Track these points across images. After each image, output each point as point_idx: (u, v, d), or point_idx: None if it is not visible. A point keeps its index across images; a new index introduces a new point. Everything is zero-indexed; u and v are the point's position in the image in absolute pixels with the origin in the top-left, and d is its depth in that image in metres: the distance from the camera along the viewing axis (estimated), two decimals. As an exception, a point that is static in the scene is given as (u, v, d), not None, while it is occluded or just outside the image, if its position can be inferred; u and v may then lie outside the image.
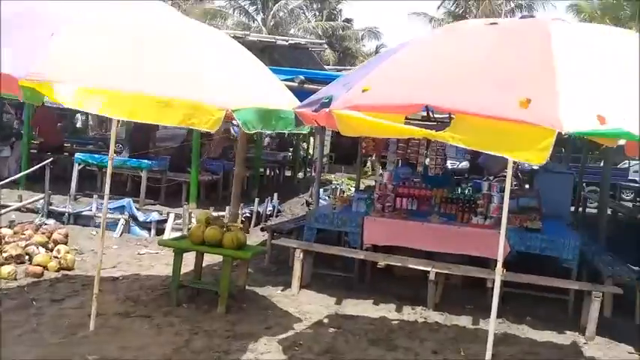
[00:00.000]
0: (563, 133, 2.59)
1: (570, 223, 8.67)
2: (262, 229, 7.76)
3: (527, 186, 12.35)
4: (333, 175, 18.49)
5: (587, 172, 14.99)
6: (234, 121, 3.96)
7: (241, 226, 9.47)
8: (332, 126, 3.24)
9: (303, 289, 6.57)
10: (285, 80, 5.63)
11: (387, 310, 6.10)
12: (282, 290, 6.56)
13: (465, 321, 5.91)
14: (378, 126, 2.93)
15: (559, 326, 5.81)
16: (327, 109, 3.16)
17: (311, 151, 20.31)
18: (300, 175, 16.89)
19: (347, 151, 23.22)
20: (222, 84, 3.97)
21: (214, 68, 4.13)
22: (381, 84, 3.17)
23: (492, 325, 4.02)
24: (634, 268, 7.13)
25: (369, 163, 19.76)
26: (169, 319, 5.32)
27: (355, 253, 6.56)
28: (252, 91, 4.20)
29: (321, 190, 14.28)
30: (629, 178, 17.05)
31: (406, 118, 3.17)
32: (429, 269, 6.01)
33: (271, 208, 11.19)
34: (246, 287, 6.27)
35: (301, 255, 6.44)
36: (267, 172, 15.31)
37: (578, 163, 14.46)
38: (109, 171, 4.63)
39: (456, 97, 2.91)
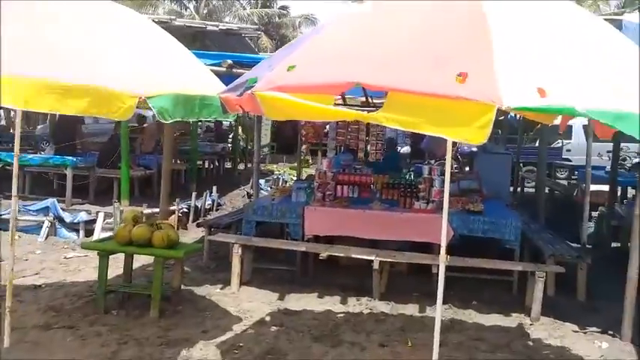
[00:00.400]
0: (503, 109, 2.38)
1: (510, 204, 8.72)
2: (198, 225, 7.37)
3: (467, 168, 12.46)
4: (275, 165, 18.14)
5: (523, 153, 15.28)
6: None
7: (172, 223, 9.08)
8: (256, 110, 2.93)
9: (244, 286, 6.25)
10: (211, 65, 5.25)
11: (331, 303, 5.87)
12: (221, 288, 6.22)
13: (411, 309, 5.76)
14: (305, 108, 2.64)
15: (505, 308, 5.75)
16: (249, 92, 2.85)
17: (252, 142, 19.87)
18: (241, 166, 16.44)
19: (289, 140, 22.86)
20: (136, 69, 3.59)
21: (127, 52, 3.74)
22: (308, 62, 2.88)
23: (439, 313, 3.84)
24: (573, 245, 7.20)
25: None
26: (96, 328, 4.89)
27: (296, 246, 6.29)
28: (171, 77, 3.83)
29: (263, 180, 13.94)
30: (563, 157, 17.49)
31: (345, 104, 2.89)
32: (372, 258, 5.82)
33: (210, 202, 10.76)
34: (183, 288, 5.89)
35: (240, 250, 6.12)
36: (206, 164, 14.81)
37: (514, 144, 14.69)
38: (15, 170, 4.15)
39: (388, 74, 2.66)
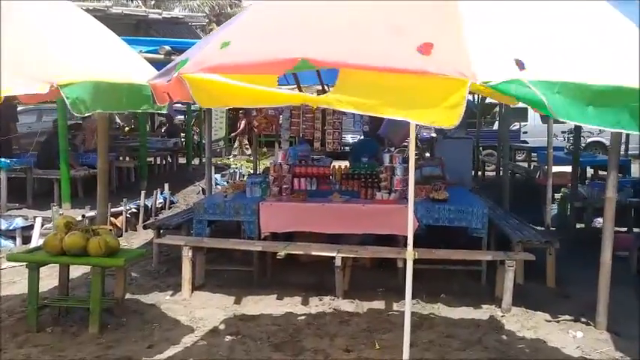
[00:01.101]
0: (478, 84, 2.00)
1: (472, 189, 8.49)
2: (145, 227, 6.83)
3: (427, 154, 12.20)
4: (231, 159, 17.56)
5: (481, 136, 15.19)
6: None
7: (120, 225, 8.52)
8: (186, 97, 2.47)
9: (197, 291, 5.78)
10: (147, 52, 4.72)
11: (292, 305, 5.47)
12: (171, 295, 5.74)
13: (377, 306, 5.41)
14: (241, 92, 2.21)
15: (474, 300, 5.45)
16: (175, 75, 2.38)
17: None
18: (196, 161, 15.78)
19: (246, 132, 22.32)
20: (48, 56, 3.07)
21: (38, 37, 3.21)
22: (245, 37, 2.44)
23: (408, 315, 3.51)
24: (537, 228, 7.00)
25: (236, 143, 18.54)
26: (26, 349, 4.36)
27: (251, 245, 5.84)
28: (92, 64, 3.32)
29: (219, 175, 13.40)
30: (521, 139, 17.53)
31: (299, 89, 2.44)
32: (334, 255, 5.43)
33: (162, 201, 10.17)
34: (129, 297, 5.41)
35: (190, 253, 5.63)
36: (158, 161, 14.13)
37: (472, 128, 14.56)
38: None
39: (339, 48, 2.24)
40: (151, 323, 4.97)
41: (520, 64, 2.10)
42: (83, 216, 7.30)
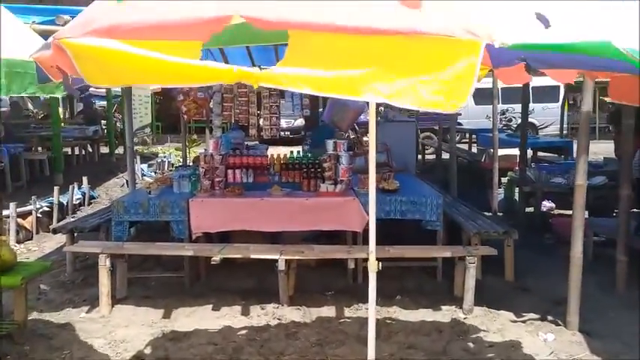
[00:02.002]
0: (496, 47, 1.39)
1: (415, 175, 8.05)
2: (55, 231, 5.90)
3: (365, 139, 11.70)
4: (159, 147, 16.45)
5: (419, 119, 14.88)
6: None
7: (30, 226, 7.50)
8: (73, 71, 1.72)
9: (118, 305, 4.99)
10: (42, 23, 3.84)
11: (230, 316, 4.78)
12: (88, 311, 4.92)
13: (327, 313, 4.81)
14: (149, 65, 1.50)
15: (433, 301, 4.96)
16: (53, 40, 1.63)
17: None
18: (120, 150, 14.59)
19: (175, 119, 21.06)
20: None
21: None
22: (152, -14, 1.71)
23: (372, 334, 2.94)
24: (485, 214, 6.64)
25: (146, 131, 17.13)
26: None
27: (181, 249, 5.07)
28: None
29: (145, 165, 12.39)
30: (458, 121, 17.43)
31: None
32: (277, 257, 4.77)
33: (80, 197, 9.13)
34: (34, 317, 4.57)
35: (108, 261, 4.81)
36: (77, 151, 12.93)
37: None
38: None
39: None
40: (60, 350, 4.15)
41: (544, 20, 1.50)
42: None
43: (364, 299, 4.98)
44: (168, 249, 5.08)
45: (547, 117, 18.29)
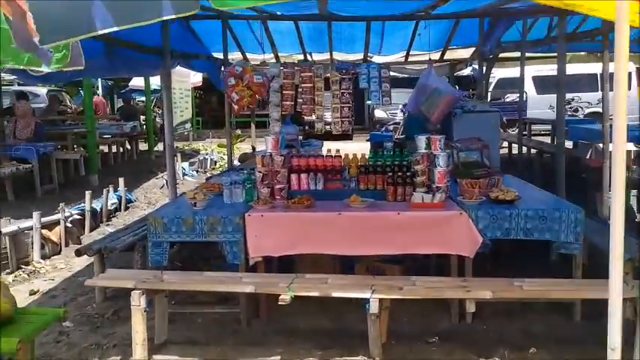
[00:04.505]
0: None
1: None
2: (78, 253, 4.76)
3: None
4: (201, 143, 15.40)
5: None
6: None
7: (57, 239, 6.46)
8: None
9: (157, 356, 3.82)
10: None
11: (303, 373, 3.56)
12: (119, 362, 3.77)
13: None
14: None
15: (579, 353, 3.61)
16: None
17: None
18: (160, 147, 13.57)
19: (216, 112, 20.05)
20: None
21: None
22: None
23: None
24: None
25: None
26: None
27: (237, 284, 3.83)
28: None
29: (186, 164, 11.34)
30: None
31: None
32: (367, 296, 3.49)
33: (116, 201, 8.08)
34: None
35: (143, 301, 3.63)
36: (114, 149, 11.97)
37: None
38: None
39: None
40: None
41: None
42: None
43: (482, 349, 3.71)
44: (220, 283, 3.86)
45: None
